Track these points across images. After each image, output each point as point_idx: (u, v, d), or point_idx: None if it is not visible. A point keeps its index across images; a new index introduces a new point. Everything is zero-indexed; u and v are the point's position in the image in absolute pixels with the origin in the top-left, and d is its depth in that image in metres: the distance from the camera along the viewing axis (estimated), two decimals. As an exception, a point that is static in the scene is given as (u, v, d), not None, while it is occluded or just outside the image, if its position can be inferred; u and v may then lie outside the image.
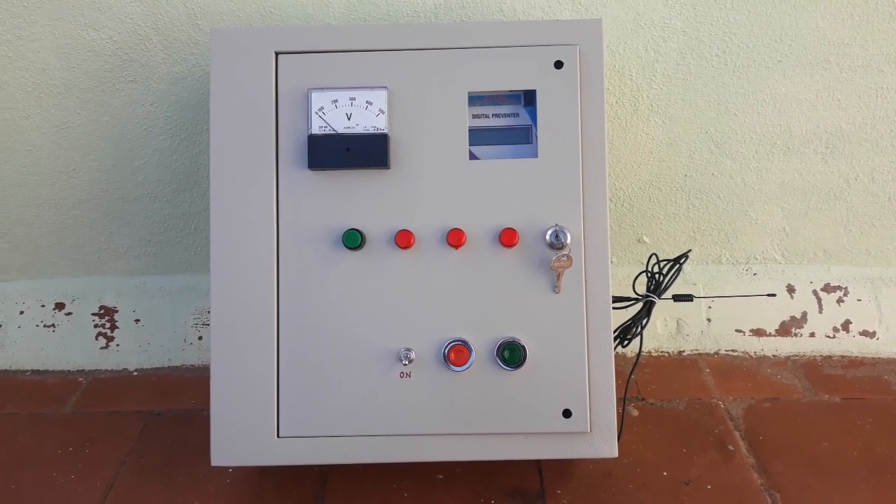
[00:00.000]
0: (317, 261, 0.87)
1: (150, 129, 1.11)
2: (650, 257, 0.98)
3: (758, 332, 1.17)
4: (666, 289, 0.95)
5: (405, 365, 0.85)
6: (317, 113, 0.87)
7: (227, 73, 0.88)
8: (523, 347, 0.85)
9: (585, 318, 0.86)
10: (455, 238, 0.85)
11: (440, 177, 0.87)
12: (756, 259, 1.19)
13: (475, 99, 0.89)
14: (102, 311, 1.22)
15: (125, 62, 1.07)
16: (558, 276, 0.85)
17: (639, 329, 0.93)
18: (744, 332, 1.18)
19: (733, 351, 1.18)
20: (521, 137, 0.90)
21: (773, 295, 1.05)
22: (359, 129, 0.86)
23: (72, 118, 1.10)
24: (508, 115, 0.91)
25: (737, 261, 1.20)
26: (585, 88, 0.88)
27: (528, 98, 0.90)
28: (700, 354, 1.18)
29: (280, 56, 0.87)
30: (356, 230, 0.86)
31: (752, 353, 1.18)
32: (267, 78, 0.88)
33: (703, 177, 1.12)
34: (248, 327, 0.87)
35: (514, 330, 0.86)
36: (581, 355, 0.85)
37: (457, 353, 0.85)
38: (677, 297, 0.96)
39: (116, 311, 1.22)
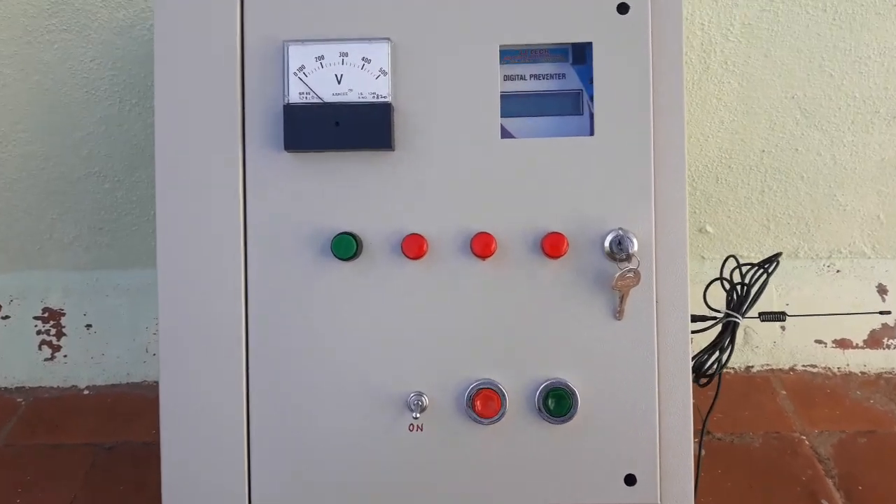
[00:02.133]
0: (296, 274, 0.67)
1: (93, 91, 0.93)
2: (726, 260, 0.76)
3: (842, 344, 1.01)
4: (752, 304, 0.73)
5: (416, 415, 0.64)
6: (296, 74, 0.65)
7: (173, 17, 0.67)
8: (573, 393, 0.65)
9: (656, 353, 0.65)
10: (482, 245, 0.65)
11: (462, 161, 0.66)
12: (840, 253, 1.00)
13: (508, 55, 0.67)
14: (46, 314, 1.05)
15: (55, 5, 0.90)
16: (621, 297, 0.64)
17: (720, 360, 0.71)
18: (825, 343, 1.01)
19: (812, 367, 1.00)
20: (568, 106, 0.69)
21: (888, 312, 0.83)
22: (352, 97, 0.65)
23: None
24: (552, 77, 0.69)
25: (817, 255, 1.01)
26: (659, 41, 0.66)
27: (578, 54, 0.68)
28: (773, 371, 0.99)
29: (245, -5, 0.66)
30: (350, 234, 0.65)
31: (836, 370, 1.00)
32: (228, 25, 0.67)
33: (784, 153, 0.94)
34: (206, 358, 0.67)
35: (560, 369, 0.66)
36: (650, 402, 0.65)
37: (484, 401, 0.65)
38: (766, 316, 0.74)
39: (63, 314, 1.05)
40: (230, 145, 0.66)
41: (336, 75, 0.65)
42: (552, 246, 0.64)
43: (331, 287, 0.66)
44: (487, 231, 0.65)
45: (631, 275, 0.63)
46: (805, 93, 0.91)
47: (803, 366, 1.00)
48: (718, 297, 0.76)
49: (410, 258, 0.65)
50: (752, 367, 1.00)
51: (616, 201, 0.65)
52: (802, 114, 0.92)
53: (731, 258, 0.77)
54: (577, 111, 0.69)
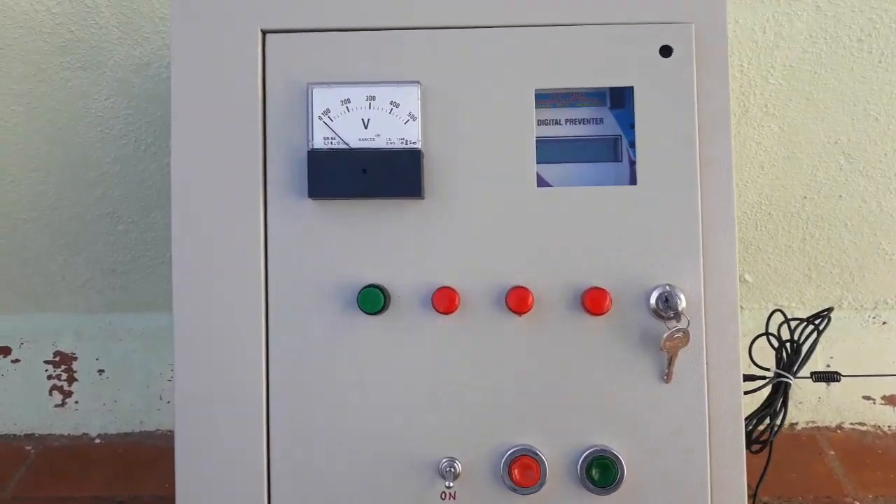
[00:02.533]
0: (320, 329, 0.63)
1: (108, 130, 0.90)
2: (772, 314, 0.72)
3: (892, 400, 0.96)
4: (804, 363, 0.68)
5: (448, 483, 0.60)
6: (320, 118, 0.61)
7: (193, 59, 0.64)
8: (618, 461, 0.60)
9: (707, 419, 0.60)
10: (518, 300, 0.60)
11: (496, 211, 0.62)
12: (887, 304, 0.96)
13: (542, 98, 0.63)
14: (58, 359, 1.02)
15: (70, 42, 0.87)
16: (670, 358, 0.59)
17: (772, 425, 0.66)
18: (873, 400, 0.96)
19: (861, 424, 0.95)
20: (606, 152, 0.65)
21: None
22: (380, 142, 0.61)
23: (4, 115, 0.91)
24: (589, 122, 0.65)
25: (862, 306, 0.95)
26: (704, 85, 0.61)
27: (616, 97, 0.64)
28: (818, 429, 0.94)
29: (268, 35, 0.64)
30: (377, 287, 0.61)
31: (887, 429, 0.94)
32: (249, 66, 0.63)
33: (826, 199, 0.90)
34: (224, 417, 0.63)
35: (604, 436, 0.61)
36: (701, 473, 0.60)
37: (522, 469, 0.60)
38: (819, 376, 0.69)
39: (75, 359, 1.01)
40: (251, 192, 0.63)
41: (363, 119, 0.62)
42: (594, 302, 0.60)
43: (356, 343, 0.62)
44: (523, 285, 0.61)
45: (680, 334, 0.59)
46: (849, 137, 0.87)
47: (851, 424, 0.95)
48: (761, 352, 0.71)
49: (441, 313, 0.61)
50: (797, 424, 0.95)
51: (661, 255, 0.61)
52: (846, 159, 0.88)
53: (778, 312, 0.72)
54: (616, 158, 0.65)
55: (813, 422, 0.95)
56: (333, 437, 0.62)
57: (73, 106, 0.88)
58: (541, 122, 0.64)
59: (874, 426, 0.95)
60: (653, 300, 0.60)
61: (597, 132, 0.65)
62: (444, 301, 0.61)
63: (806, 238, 0.92)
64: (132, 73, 0.86)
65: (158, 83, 0.87)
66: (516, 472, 0.60)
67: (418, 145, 0.61)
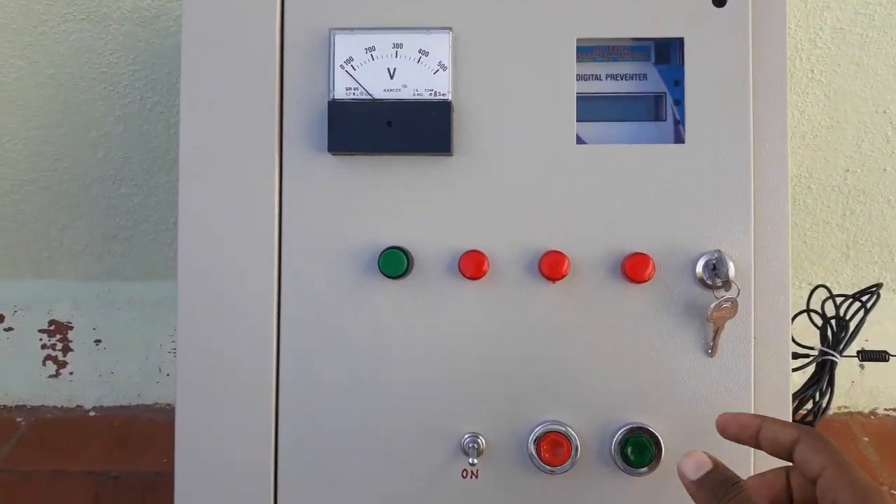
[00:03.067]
0: (336, 293, 0.58)
1: (112, 87, 0.86)
2: (814, 290, 0.67)
3: None
4: (850, 341, 0.64)
5: (473, 460, 0.56)
6: (342, 67, 0.57)
7: (205, 4, 0.59)
8: (656, 440, 0.56)
9: (752, 396, 0.56)
10: (553, 266, 0.56)
11: (530, 169, 0.58)
12: None
13: (582, 52, 0.59)
14: (53, 328, 0.96)
15: None
16: (716, 330, 0.55)
17: (819, 404, 0.62)
18: None
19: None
20: (649, 110, 0.61)
21: None
22: (406, 94, 0.57)
23: (3, 70, 0.85)
24: (631, 77, 0.61)
25: None
26: (760, 39, 0.58)
27: (661, 52, 0.60)
28: (851, 414, 0.90)
29: (288, -23, 0.59)
30: (400, 249, 0.57)
31: None
32: (267, 10, 0.59)
33: (870, 173, 0.86)
34: (230, 386, 0.59)
35: (640, 412, 0.57)
36: (743, 453, 0.56)
37: (551, 446, 0.56)
38: (866, 356, 0.65)
39: (71, 328, 0.96)
40: (265, 145, 0.58)
41: (388, 69, 0.57)
42: (635, 269, 0.55)
43: (376, 309, 0.58)
44: (559, 250, 0.56)
45: (728, 304, 0.54)
46: (899, 106, 0.83)
47: (885, 409, 0.91)
48: (800, 330, 0.67)
49: (468, 278, 0.57)
50: (828, 409, 0.91)
51: (709, 220, 0.57)
52: (894, 130, 0.84)
53: (822, 288, 0.68)
54: (660, 116, 0.61)
55: (846, 407, 0.91)
56: (348, 411, 0.58)
57: (75, 61, 0.83)
58: (580, 78, 0.59)
59: (910, 413, 0.91)
60: (699, 267, 0.56)
61: (640, 89, 0.61)
62: (472, 265, 0.57)
63: (846, 214, 0.88)
64: (139, 26, 0.82)
65: (166, 37, 0.82)
66: (545, 448, 0.56)
67: (448, 97, 0.57)
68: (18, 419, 0.93)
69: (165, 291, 0.96)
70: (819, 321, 0.67)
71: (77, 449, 0.87)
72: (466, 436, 0.57)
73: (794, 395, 0.65)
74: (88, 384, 0.95)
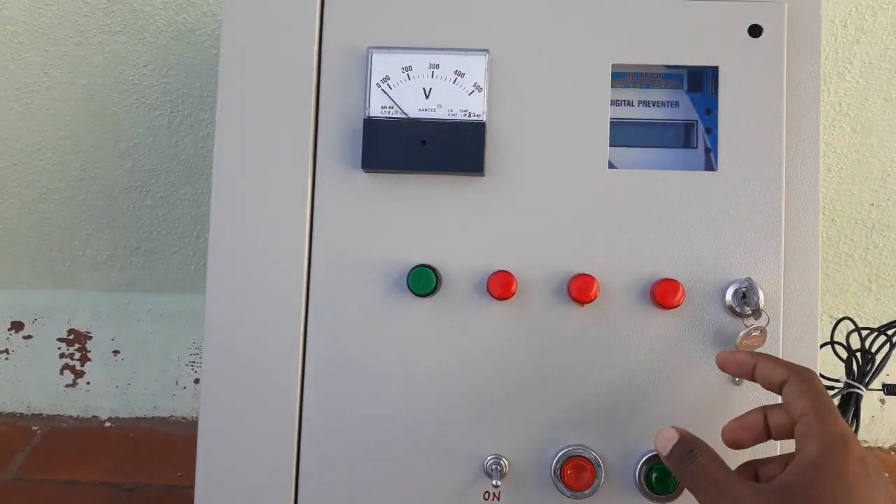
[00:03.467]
0: (366, 310, 0.58)
1: (143, 99, 0.87)
2: (839, 322, 0.67)
3: None
4: (876, 374, 0.64)
5: (496, 482, 0.55)
6: (378, 85, 0.58)
7: (244, 19, 0.60)
8: None
9: (779, 427, 0.55)
10: (582, 289, 0.56)
11: (562, 192, 0.58)
12: None
13: (615, 77, 0.59)
14: (72, 337, 0.97)
15: (112, 4, 0.83)
16: (744, 358, 0.54)
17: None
18: None
19: None
20: (680, 138, 0.61)
21: None
22: (442, 114, 0.57)
23: (37, 79, 0.86)
24: (664, 105, 0.61)
25: None
26: (794, 70, 0.58)
27: (694, 80, 0.60)
28: (871, 449, 0.88)
29: (327, -5, 0.60)
30: (428, 267, 0.57)
31: None
32: (305, 27, 0.59)
33: (895, 207, 0.81)
34: (254, 401, 0.58)
35: None
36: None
37: (575, 471, 0.56)
38: (891, 389, 0.65)
39: (90, 338, 0.97)
40: (299, 161, 0.59)
41: (424, 89, 0.58)
42: (665, 295, 0.55)
43: (402, 327, 0.58)
44: (588, 273, 0.56)
45: (757, 333, 0.54)
46: (925, 143, 0.83)
47: (905, 446, 0.90)
48: (823, 363, 0.67)
49: (496, 298, 0.57)
50: (847, 443, 0.90)
51: (740, 248, 0.57)
52: (920, 165, 0.84)
53: (847, 320, 0.68)
54: (690, 144, 0.61)
55: (865, 441, 0.90)
56: (371, 428, 0.57)
57: (109, 72, 0.84)
58: (612, 103, 0.59)
59: (931, 451, 0.90)
60: (729, 295, 0.55)
61: (671, 116, 0.61)
62: (501, 286, 0.56)
63: (869, 248, 0.88)
64: (173, 39, 0.83)
65: (200, 52, 0.83)
66: (569, 473, 0.56)
67: (483, 118, 0.57)
68: (34, 428, 0.93)
69: (185, 304, 0.96)
70: (844, 353, 0.67)
71: (92, 459, 0.87)
72: (490, 457, 0.56)
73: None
74: (105, 395, 0.95)
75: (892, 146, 0.83)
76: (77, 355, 0.96)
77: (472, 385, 0.57)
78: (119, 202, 0.91)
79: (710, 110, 0.60)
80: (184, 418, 0.94)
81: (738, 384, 0.56)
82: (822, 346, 0.67)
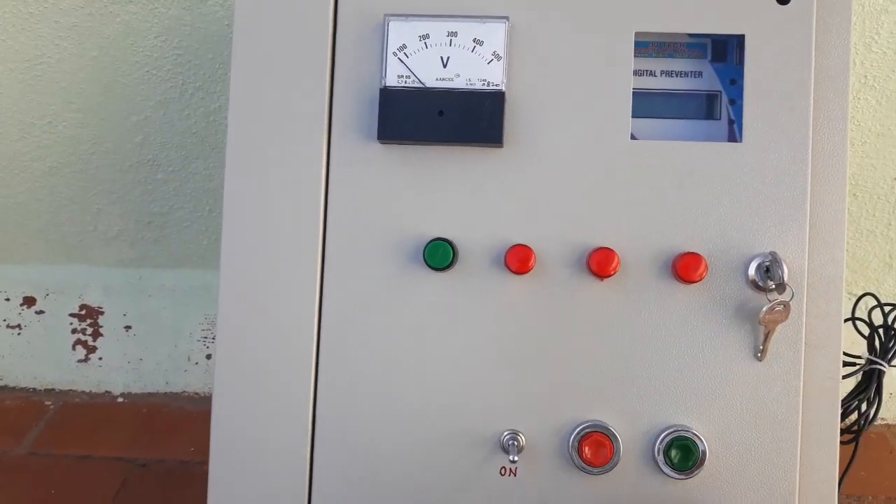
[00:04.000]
0: (382, 283, 0.57)
1: (154, 71, 0.86)
2: (860, 298, 0.66)
3: None
4: (899, 351, 0.63)
5: (513, 457, 0.54)
6: (395, 54, 0.56)
7: (260, -16, 0.57)
8: (700, 443, 0.54)
9: (800, 403, 0.55)
10: (601, 262, 0.55)
11: (582, 163, 0.57)
12: None
13: (639, 46, 0.57)
14: (84, 312, 0.97)
15: None
16: (766, 333, 0.54)
17: (866, 414, 0.61)
18: None
19: None
20: (702, 109, 0.59)
21: None
22: (459, 83, 0.56)
23: (47, 51, 0.85)
24: (687, 75, 0.59)
25: None
26: (823, 39, 0.56)
27: (718, 50, 0.59)
28: (889, 426, 0.87)
29: (343, -40, 0.58)
30: (445, 241, 0.56)
31: None
32: (321, -6, 0.57)
33: None
34: (269, 375, 0.58)
35: (685, 415, 0.56)
36: (790, 459, 0.55)
37: (594, 447, 0.55)
38: (915, 366, 0.63)
39: (101, 313, 0.97)
40: (314, 132, 0.58)
41: (442, 58, 0.57)
42: (687, 268, 0.54)
43: (418, 300, 0.57)
44: (608, 246, 0.55)
45: (781, 308, 0.53)
46: (950, 116, 0.81)
47: (924, 423, 0.89)
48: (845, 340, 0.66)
49: (514, 272, 0.56)
50: (875, 419, 0.89)
51: (764, 221, 0.55)
52: (945, 139, 0.82)
53: (869, 296, 0.67)
54: (713, 115, 0.59)
55: (883, 419, 0.89)
56: (387, 402, 0.57)
57: (119, 43, 0.83)
58: (634, 73, 0.58)
59: (949, 429, 0.89)
60: (752, 269, 0.54)
61: (695, 86, 0.60)
62: (518, 259, 0.55)
63: (891, 223, 0.86)
64: (185, 10, 0.81)
65: (212, 22, 0.81)
66: (587, 448, 0.55)
67: (502, 87, 0.56)
68: (47, 403, 0.93)
69: (197, 280, 0.96)
70: (866, 330, 0.66)
71: (105, 435, 0.87)
72: (506, 433, 0.56)
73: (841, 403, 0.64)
74: (117, 370, 0.95)
75: (917, 120, 0.81)
76: (89, 330, 0.96)
77: (488, 360, 0.56)
78: (130, 176, 0.90)
79: (734, 81, 0.58)
80: (196, 394, 0.94)
81: (759, 359, 0.55)
82: (844, 321, 0.66)
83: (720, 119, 0.59)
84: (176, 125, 0.87)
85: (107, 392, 0.95)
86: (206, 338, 0.94)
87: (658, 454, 0.55)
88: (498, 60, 0.56)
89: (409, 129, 0.56)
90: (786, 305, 0.53)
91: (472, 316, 0.57)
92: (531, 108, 0.57)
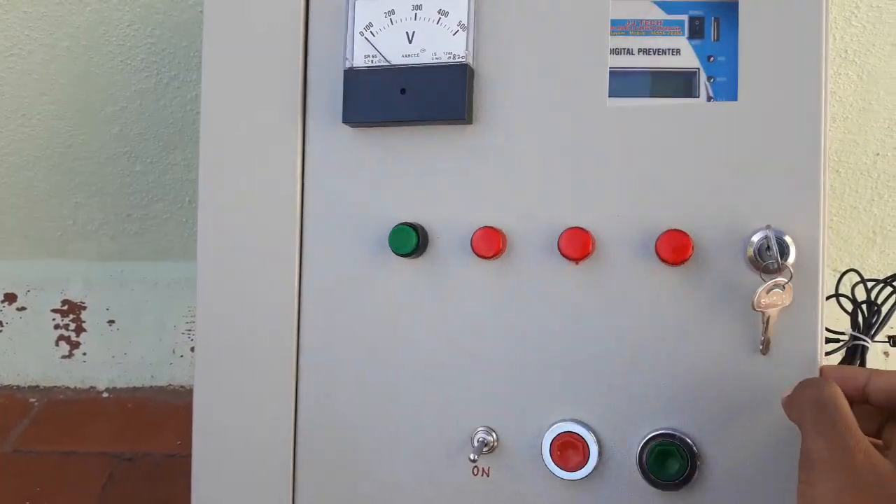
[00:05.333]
0: (357, 271, 0.56)
1: (128, 61, 0.85)
2: (844, 273, 0.65)
3: None
4: (882, 326, 0.62)
5: (474, 456, 0.52)
6: (362, 34, 0.55)
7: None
8: (690, 451, 0.50)
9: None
10: (575, 244, 0.52)
11: (555, 139, 0.54)
12: None
13: (615, 24, 0.55)
14: (66, 308, 0.97)
15: None
16: (766, 320, 0.49)
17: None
18: None
19: None
20: (681, 86, 0.57)
21: None
22: (425, 58, 0.54)
23: (18, 42, 0.84)
24: (664, 52, 0.57)
25: None
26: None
27: (695, 27, 0.57)
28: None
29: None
30: (410, 226, 0.54)
31: None
32: (288, -25, 0.56)
33: None
34: (250, 366, 0.57)
35: (673, 416, 0.51)
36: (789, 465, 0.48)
37: (565, 448, 0.52)
38: (896, 341, 0.63)
39: (84, 308, 0.97)
40: (289, 117, 0.56)
41: (407, 33, 0.55)
42: (671, 248, 0.50)
43: (391, 288, 0.55)
44: (582, 227, 0.52)
45: (780, 290, 0.48)
46: (935, 90, 0.80)
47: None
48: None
49: (482, 257, 0.53)
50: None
51: (767, 191, 0.51)
52: (930, 113, 0.81)
53: (853, 272, 0.66)
54: (693, 93, 0.57)
55: (871, 396, 0.88)
56: (364, 393, 0.55)
57: (91, 33, 0.82)
58: (610, 52, 0.56)
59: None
60: (752, 246, 0.49)
61: (672, 64, 0.58)
62: (486, 243, 0.53)
63: (874, 199, 0.85)
64: (156, -2, 0.80)
65: (185, 9, 0.80)
66: (558, 450, 0.51)
67: (466, 60, 0.54)
68: (32, 399, 0.92)
69: (179, 272, 0.95)
70: (849, 306, 0.65)
71: (90, 430, 0.87)
72: (478, 430, 0.53)
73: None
74: (101, 365, 0.94)
75: (901, 92, 0.80)
76: (72, 326, 0.95)
77: (459, 351, 0.54)
78: (108, 169, 0.89)
79: (711, 57, 0.57)
80: (181, 387, 0.93)
81: (761, 352, 0.50)
82: (827, 298, 0.65)
83: (699, 97, 0.57)
84: (152, 116, 0.86)
85: (91, 387, 0.94)
86: (190, 331, 0.94)
87: (640, 460, 0.51)
88: (463, 31, 0.54)
89: (372, 111, 0.54)
90: (786, 287, 0.48)
91: (442, 304, 0.54)
92: (502, 83, 0.54)
